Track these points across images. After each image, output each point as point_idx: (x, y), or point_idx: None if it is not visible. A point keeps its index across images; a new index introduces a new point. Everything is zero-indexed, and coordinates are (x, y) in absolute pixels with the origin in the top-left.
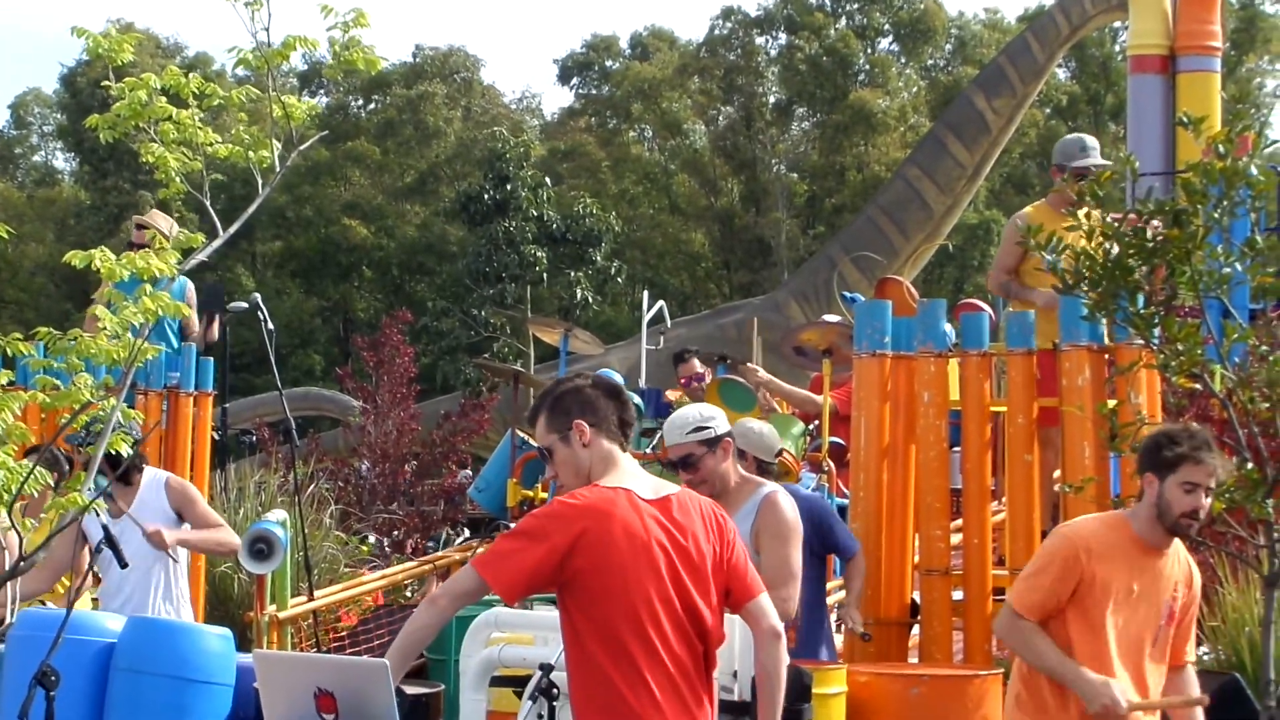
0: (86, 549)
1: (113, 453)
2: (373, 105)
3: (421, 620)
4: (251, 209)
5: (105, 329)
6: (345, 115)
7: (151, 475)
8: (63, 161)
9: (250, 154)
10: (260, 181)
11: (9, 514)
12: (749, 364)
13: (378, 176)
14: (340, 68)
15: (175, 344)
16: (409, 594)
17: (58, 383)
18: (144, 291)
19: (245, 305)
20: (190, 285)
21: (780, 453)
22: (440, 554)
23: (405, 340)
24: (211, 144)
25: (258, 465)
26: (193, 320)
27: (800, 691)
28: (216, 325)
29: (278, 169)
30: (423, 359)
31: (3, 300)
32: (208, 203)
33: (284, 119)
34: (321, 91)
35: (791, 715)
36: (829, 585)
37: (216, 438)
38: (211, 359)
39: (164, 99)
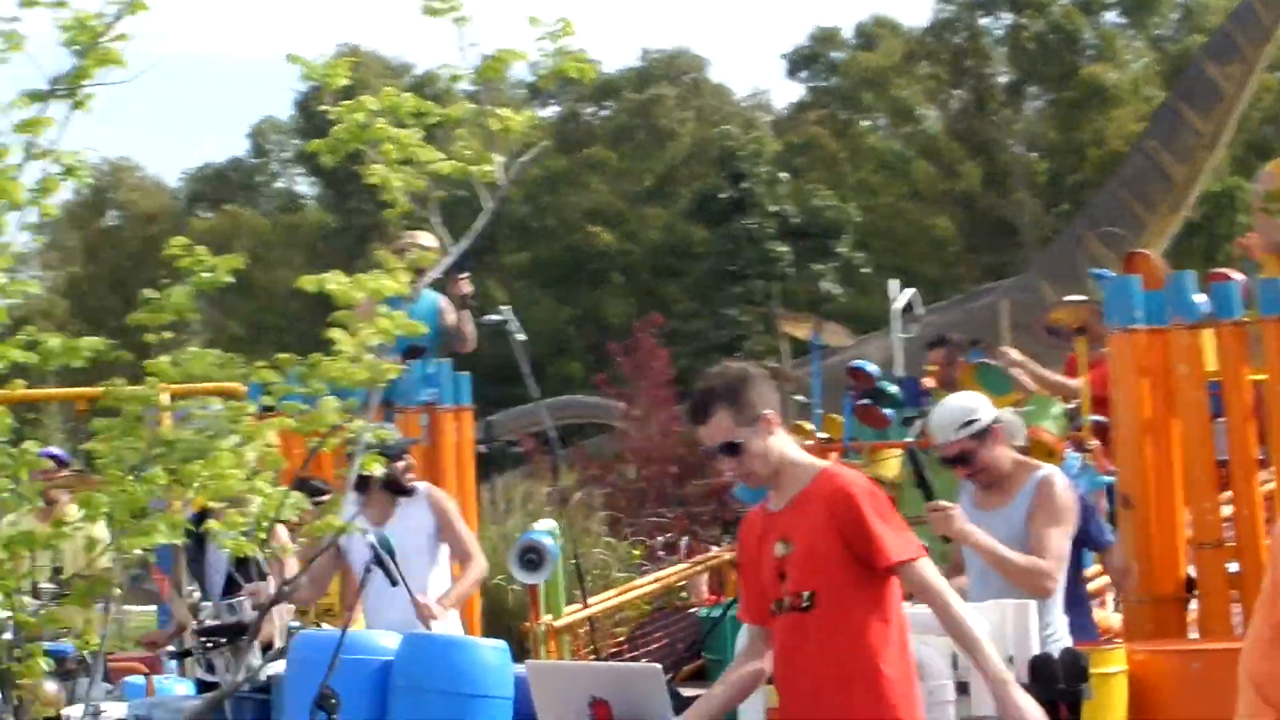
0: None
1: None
2: (605, 112)
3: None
4: (478, 224)
5: (343, 351)
6: (578, 123)
7: (420, 486)
8: (304, 186)
9: (473, 169)
10: (485, 196)
11: (267, 543)
12: (1002, 347)
13: (616, 182)
14: (554, 77)
15: (432, 360)
16: (683, 595)
17: (304, 407)
18: (381, 312)
19: (497, 318)
20: (442, 299)
21: (1034, 433)
22: (711, 554)
23: (658, 343)
24: (434, 161)
25: (524, 476)
26: (450, 320)
27: (1076, 673)
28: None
29: (501, 182)
30: (678, 361)
31: (264, 327)
32: (433, 220)
33: (503, 132)
34: (552, 102)
35: (1069, 695)
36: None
37: (482, 451)
38: (469, 373)
39: (382, 120)
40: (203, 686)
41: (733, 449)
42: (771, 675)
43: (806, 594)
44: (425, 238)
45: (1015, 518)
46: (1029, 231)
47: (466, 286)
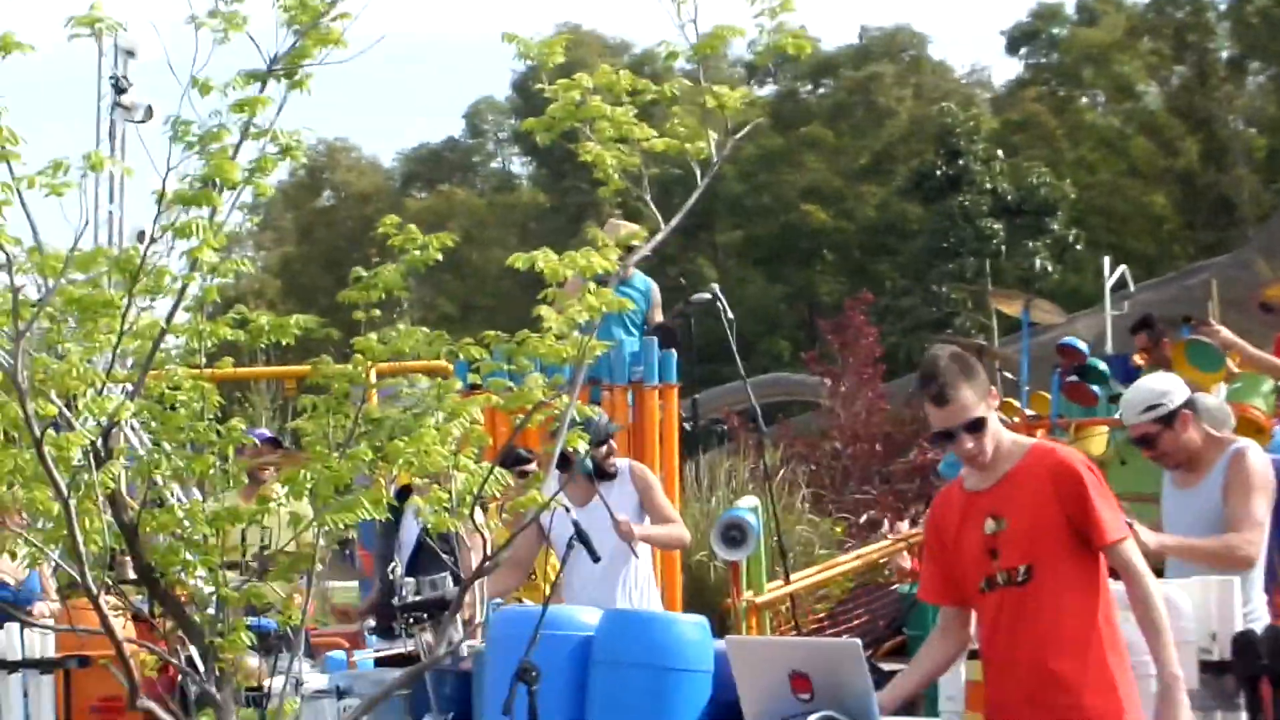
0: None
1: (566, 453)
2: (822, 90)
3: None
4: (690, 201)
5: (551, 328)
6: (795, 102)
7: (621, 464)
8: (519, 166)
9: (687, 146)
10: (699, 173)
11: (471, 518)
12: (1212, 324)
13: (833, 160)
14: (771, 54)
15: (638, 337)
16: (886, 573)
17: (510, 384)
18: (588, 289)
19: (707, 296)
20: (654, 285)
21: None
22: (915, 532)
23: (869, 321)
24: (648, 139)
25: (728, 453)
26: (657, 316)
27: (1279, 649)
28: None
29: (715, 160)
30: (887, 338)
31: (474, 306)
32: (647, 197)
33: (719, 109)
34: (770, 80)
35: (1272, 671)
36: None
37: (687, 429)
38: (674, 351)
39: (598, 98)
40: (380, 660)
41: (977, 426)
42: (977, 650)
43: (1023, 569)
44: (623, 230)
45: (1211, 494)
46: (1247, 208)
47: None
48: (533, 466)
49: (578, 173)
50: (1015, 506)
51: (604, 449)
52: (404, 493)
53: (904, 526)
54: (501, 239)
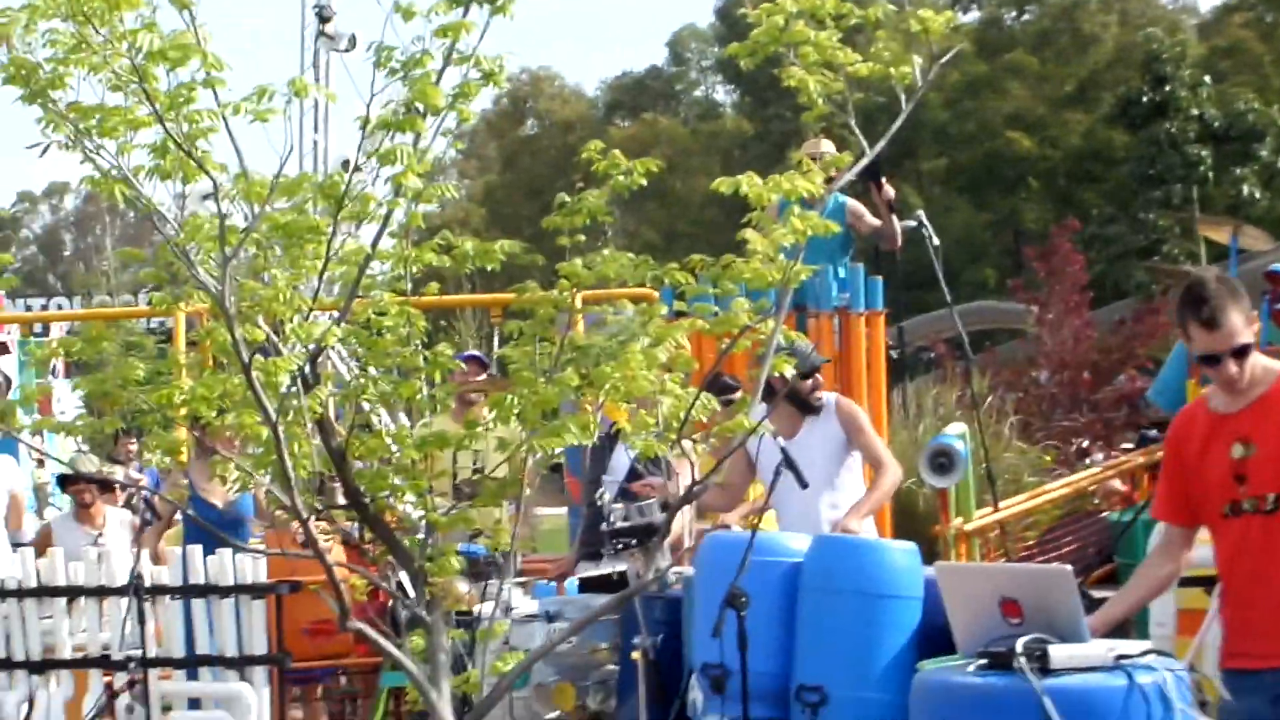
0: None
1: (770, 385)
2: (1026, 16)
3: None
4: (894, 127)
5: (757, 253)
6: (1000, 29)
7: (827, 399)
8: (723, 94)
9: (892, 71)
10: (903, 99)
11: (678, 443)
12: None
13: (1037, 87)
14: None
15: (845, 263)
16: (1094, 500)
17: (716, 309)
18: (792, 213)
19: (912, 223)
20: (849, 201)
21: None
22: (1123, 459)
23: (1075, 248)
24: (852, 64)
25: (935, 381)
26: (868, 223)
27: None
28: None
29: (919, 85)
30: (1093, 266)
31: (677, 234)
32: (852, 122)
33: (923, 34)
34: (974, 6)
35: None
36: None
37: (894, 356)
38: (880, 277)
39: (802, 23)
40: (585, 585)
41: (1243, 352)
42: (1189, 577)
43: (1272, 497)
44: (826, 144)
45: None
46: None
47: (889, 191)
48: (738, 395)
49: (781, 100)
50: (1266, 433)
51: (810, 382)
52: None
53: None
54: (705, 167)
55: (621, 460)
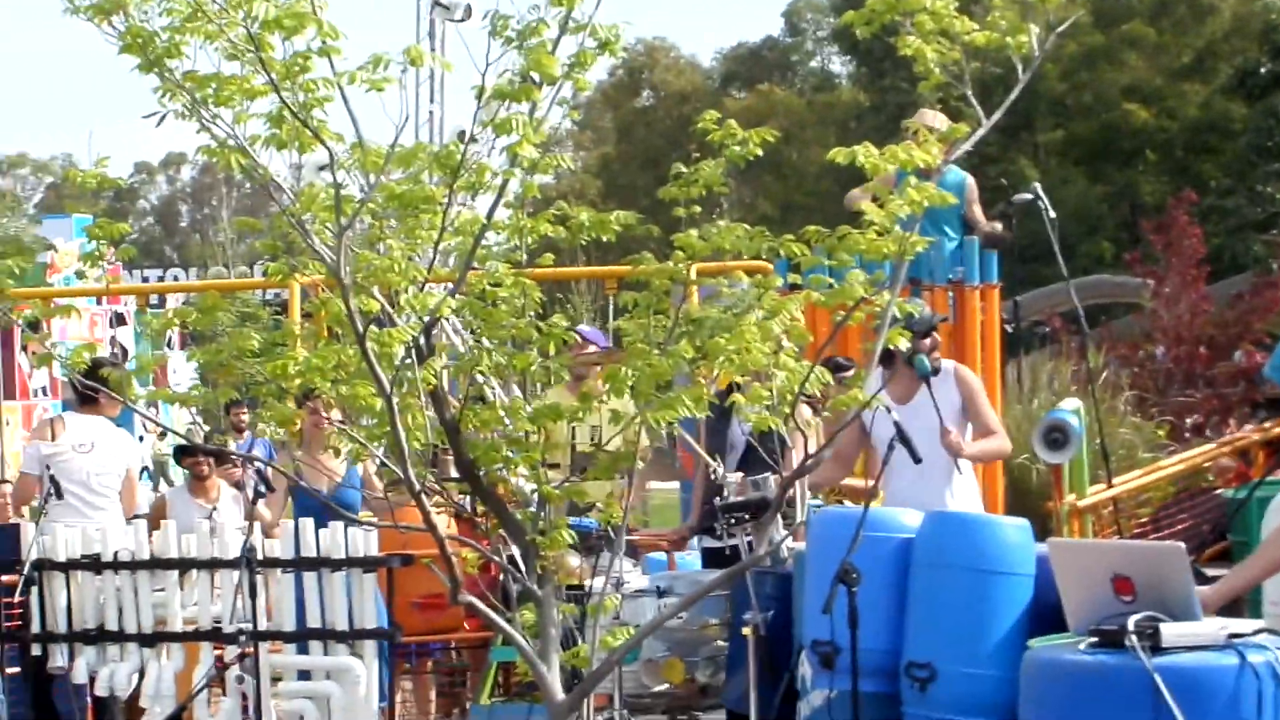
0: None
1: (889, 349)
2: None
3: None
4: (1011, 97)
5: (873, 224)
6: None
7: (946, 364)
8: (839, 65)
9: (1009, 40)
10: (1020, 69)
11: (792, 416)
12: None
13: (1154, 58)
14: None
15: (957, 238)
16: (1209, 478)
17: (832, 281)
18: (909, 184)
19: (1028, 196)
20: (969, 179)
21: None
22: (1239, 436)
23: (1192, 221)
24: (969, 33)
25: (1050, 356)
26: (976, 213)
27: None
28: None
29: (1036, 55)
30: (1211, 239)
31: (793, 206)
32: (968, 92)
33: (1040, 3)
34: None
35: None
36: None
37: (1008, 330)
38: (995, 252)
39: None
40: (708, 558)
41: None
42: None
43: None
44: (931, 118)
45: None
46: None
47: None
48: (850, 374)
49: (897, 71)
50: None
51: (927, 342)
52: (727, 391)
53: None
54: (821, 138)
55: (740, 433)
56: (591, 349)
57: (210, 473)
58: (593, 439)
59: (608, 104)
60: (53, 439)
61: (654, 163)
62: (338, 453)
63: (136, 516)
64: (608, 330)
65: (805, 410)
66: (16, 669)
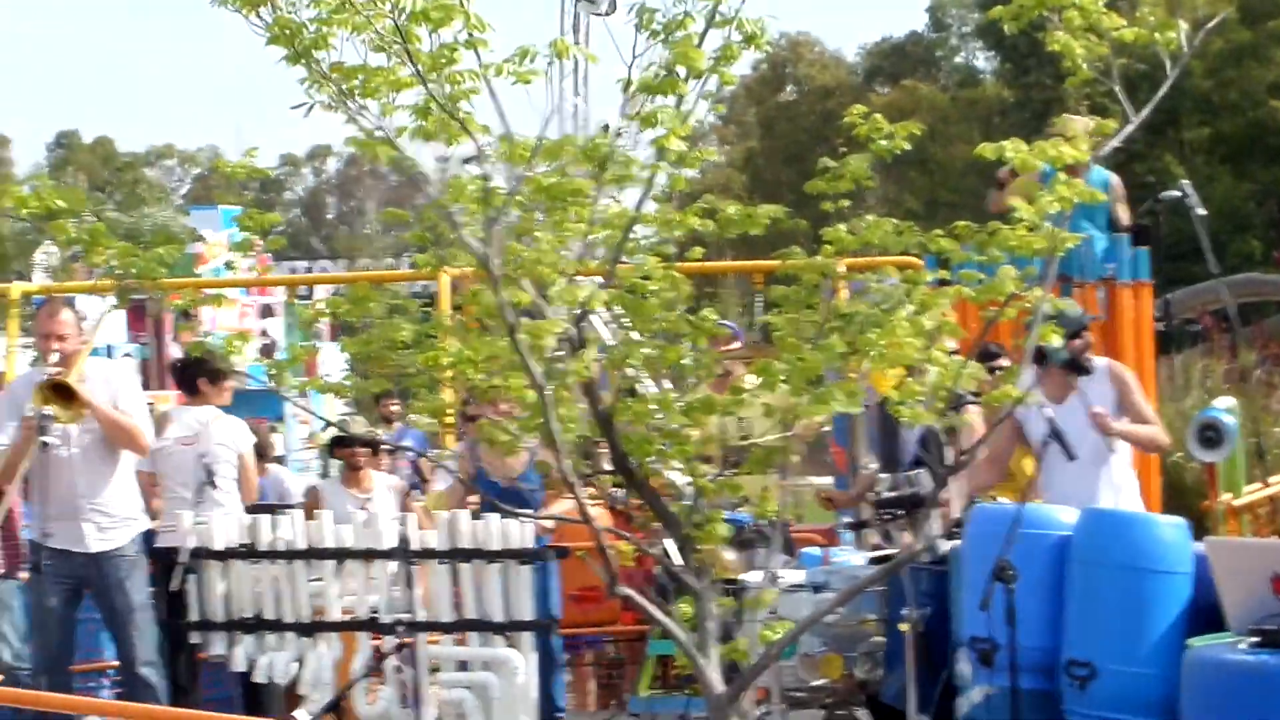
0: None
1: (1041, 346)
2: None
3: None
4: (1159, 94)
5: (1023, 220)
6: None
7: (1099, 362)
8: (983, 61)
9: (1157, 36)
10: (1168, 65)
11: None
12: None
13: None
14: None
15: (1107, 235)
16: None
17: (982, 276)
18: (1059, 180)
19: (1176, 194)
20: (1114, 177)
21: None
22: None
23: None
24: (1116, 29)
25: (1202, 354)
26: (1120, 212)
27: None
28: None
29: (1184, 51)
30: None
31: (938, 202)
32: (1116, 88)
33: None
34: None
35: None
36: None
37: (1160, 328)
38: (1146, 248)
39: None
40: (878, 561)
41: None
42: None
43: None
44: (1078, 123)
45: None
46: None
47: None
48: (1003, 361)
49: (1043, 67)
50: None
51: (1080, 341)
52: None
53: None
54: (965, 134)
55: (914, 430)
56: (735, 345)
57: (364, 464)
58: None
59: (751, 98)
60: (159, 434)
61: (798, 157)
62: (492, 444)
63: (271, 507)
64: (754, 325)
65: (973, 410)
66: (222, 654)
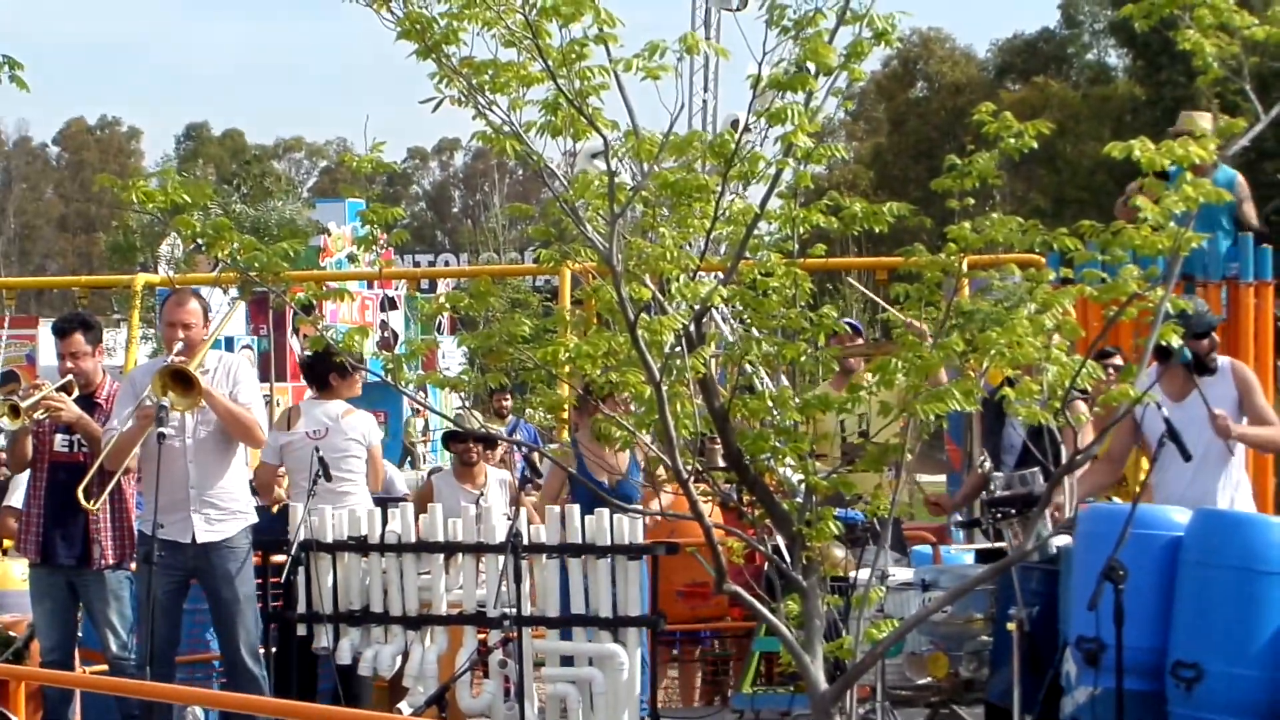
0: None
1: (1164, 344)
2: None
3: None
4: None
5: (1147, 219)
6: None
7: (1221, 361)
8: (1115, 58)
9: None
10: None
11: (1063, 411)
12: None
13: None
14: None
15: (1230, 234)
16: None
17: (1105, 275)
18: (1184, 179)
19: None
20: (1239, 177)
21: None
22: None
23: None
24: (1249, 27)
25: None
26: (1247, 211)
27: None
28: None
29: None
30: None
31: (1065, 200)
32: (1246, 86)
33: None
34: None
35: None
36: None
37: None
38: (1269, 247)
39: None
40: (983, 556)
41: None
42: None
43: None
44: (1202, 120)
45: None
46: None
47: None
48: (1117, 360)
49: (1174, 65)
50: None
51: (1205, 342)
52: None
53: None
54: (1095, 132)
55: (1018, 428)
56: (859, 342)
57: (478, 459)
58: (860, 429)
59: (881, 94)
60: (289, 428)
61: (926, 154)
62: (609, 441)
63: (380, 500)
64: (876, 322)
65: (1080, 405)
66: (326, 647)
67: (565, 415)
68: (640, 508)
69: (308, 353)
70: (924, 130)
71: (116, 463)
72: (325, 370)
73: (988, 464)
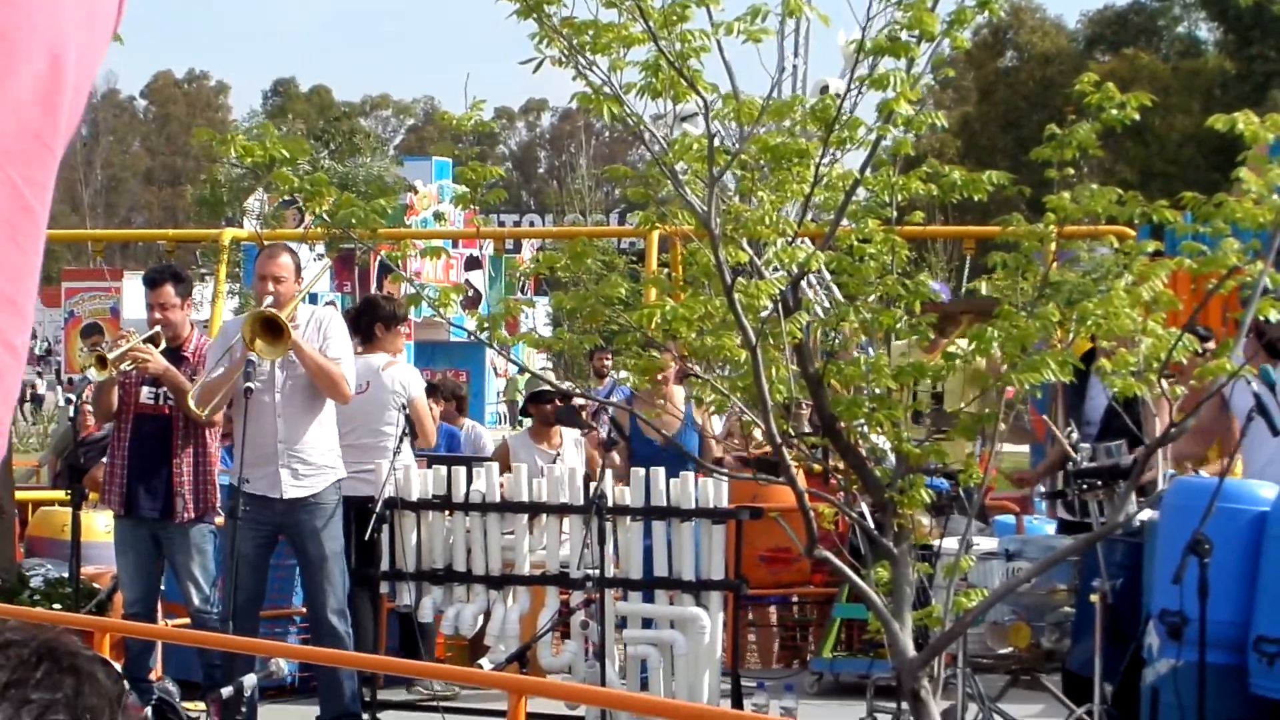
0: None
1: (1261, 319)
2: None
3: None
4: None
5: (1250, 192)
6: None
7: None
8: (1206, 31)
9: None
10: None
11: (1158, 383)
12: None
13: None
14: None
15: None
16: None
17: (1204, 248)
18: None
19: None
20: None
21: None
22: None
23: None
24: None
25: None
26: None
27: None
28: None
29: None
30: None
31: (1153, 173)
32: None
33: None
34: None
35: None
36: None
37: None
38: None
39: None
40: (1064, 526)
41: None
42: None
43: None
44: None
45: None
46: None
47: None
48: (1211, 345)
49: (1266, 39)
50: None
51: None
52: (1089, 356)
53: None
54: (1184, 105)
55: (1099, 399)
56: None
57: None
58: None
59: (970, 63)
60: None
61: (1014, 124)
62: (700, 402)
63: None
64: (960, 292)
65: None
66: (409, 605)
67: (660, 379)
68: (728, 471)
69: (354, 305)
70: (1013, 100)
71: (205, 402)
72: (371, 322)
73: (1074, 435)
